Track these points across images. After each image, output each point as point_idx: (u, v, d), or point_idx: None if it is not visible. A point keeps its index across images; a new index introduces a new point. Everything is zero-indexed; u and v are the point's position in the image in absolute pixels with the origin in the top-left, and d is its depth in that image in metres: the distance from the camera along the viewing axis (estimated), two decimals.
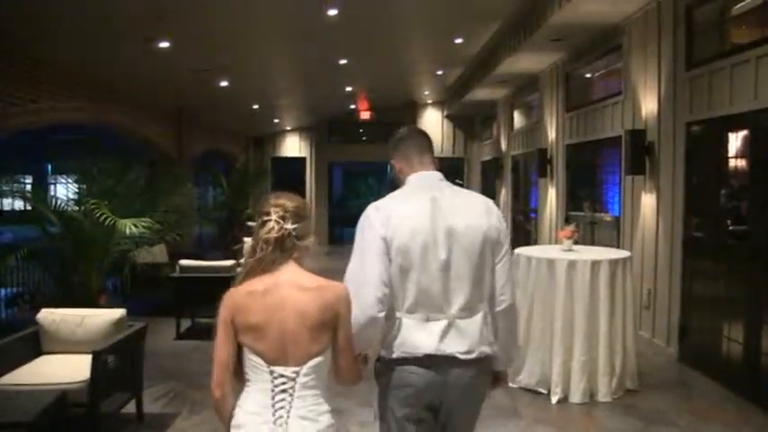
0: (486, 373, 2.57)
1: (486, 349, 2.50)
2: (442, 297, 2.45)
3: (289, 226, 2.21)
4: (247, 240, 10.87)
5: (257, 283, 2.18)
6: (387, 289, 2.42)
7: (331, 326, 2.19)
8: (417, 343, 2.43)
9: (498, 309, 2.56)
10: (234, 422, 2.17)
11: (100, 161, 6.81)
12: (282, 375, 2.14)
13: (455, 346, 2.43)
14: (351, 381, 2.31)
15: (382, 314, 2.41)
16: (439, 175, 2.64)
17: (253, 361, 2.16)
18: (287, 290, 2.17)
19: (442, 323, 2.44)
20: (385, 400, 2.52)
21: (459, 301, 2.46)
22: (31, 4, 6.47)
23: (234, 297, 2.18)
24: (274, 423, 2.12)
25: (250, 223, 14.56)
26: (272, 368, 2.14)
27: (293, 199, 2.29)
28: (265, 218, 2.23)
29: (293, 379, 2.14)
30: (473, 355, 2.45)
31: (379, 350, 2.52)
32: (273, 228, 2.20)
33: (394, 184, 2.75)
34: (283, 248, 2.21)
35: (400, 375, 2.46)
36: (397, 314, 2.46)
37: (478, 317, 2.49)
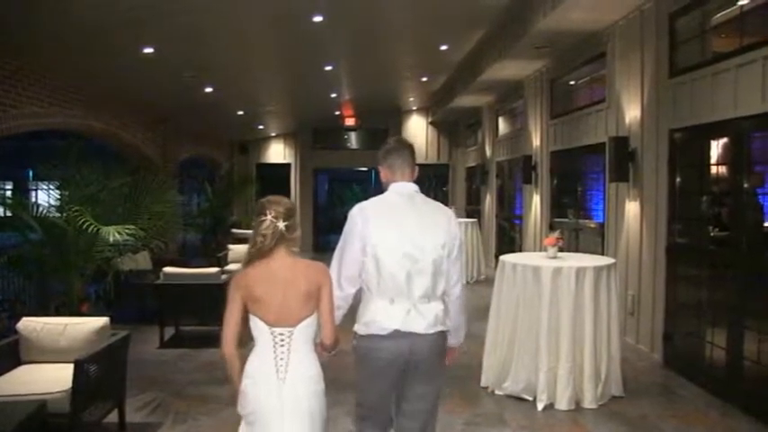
0: (442, 339, 3.17)
1: (440, 327, 3.13)
2: (407, 286, 3.05)
3: (280, 224, 2.85)
4: (232, 247, 10.85)
5: (257, 266, 2.86)
6: (357, 271, 3.10)
7: (315, 295, 2.87)
8: (386, 322, 3.04)
9: (451, 298, 3.21)
10: (245, 374, 2.83)
11: (82, 167, 6.74)
12: (281, 334, 2.82)
13: (416, 325, 3.05)
14: (331, 338, 2.93)
15: (353, 289, 3.13)
16: (415, 186, 3.23)
17: (258, 324, 2.84)
18: (280, 270, 2.85)
19: (407, 306, 3.05)
20: (361, 366, 3.15)
21: (420, 290, 3.07)
22: (13, 10, 6.41)
23: (241, 278, 2.87)
24: (277, 371, 2.80)
25: (235, 230, 14.57)
26: (273, 329, 2.82)
27: (283, 202, 2.93)
28: (262, 217, 2.87)
29: (289, 336, 2.82)
30: (430, 331, 3.08)
31: (356, 327, 3.14)
32: (269, 225, 2.84)
33: (382, 190, 3.32)
34: (276, 240, 2.85)
35: (375, 346, 3.06)
36: (371, 296, 3.09)
37: (435, 303, 3.12)
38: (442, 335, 3.15)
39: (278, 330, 2.81)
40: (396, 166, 3.22)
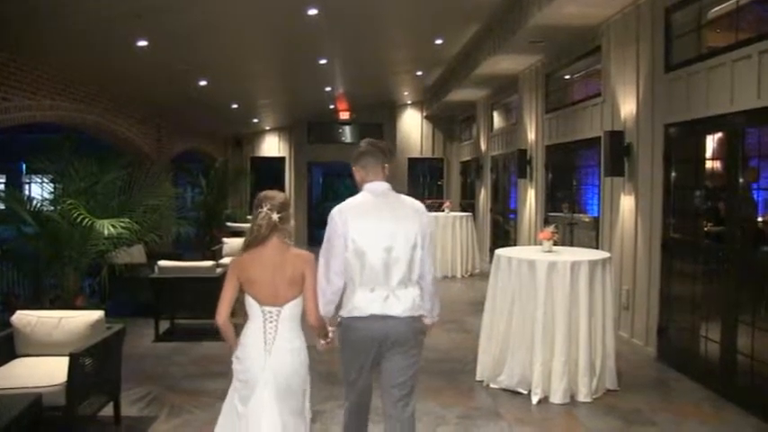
0: (417, 321, 3.53)
1: (417, 312, 3.50)
2: (385, 275, 3.42)
3: (275, 216, 3.24)
4: (227, 240, 10.83)
5: (253, 252, 3.26)
6: (343, 266, 3.43)
7: (300, 280, 3.27)
8: (366, 308, 3.41)
9: (425, 282, 3.55)
10: (240, 343, 3.31)
11: (76, 161, 6.71)
12: (270, 312, 3.26)
13: (393, 309, 3.42)
14: (312, 315, 3.32)
15: (341, 282, 3.46)
16: (387, 185, 3.56)
17: (251, 302, 3.29)
18: (272, 256, 3.26)
19: (386, 293, 3.42)
20: (344, 345, 3.51)
21: (397, 278, 3.43)
22: (5, 2, 6.36)
23: (239, 261, 3.30)
24: (265, 342, 3.24)
25: (230, 224, 14.54)
26: (263, 307, 3.27)
27: (278, 197, 3.32)
28: (259, 209, 3.26)
29: (277, 314, 3.26)
30: (406, 314, 3.44)
31: (341, 312, 3.49)
32: (264, 216, 3.24)
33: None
34: (271, 230, 3.24)
35: (355, 326, 3.43)
36: (353, 285, 3.44)
37: (411, 289, 3.48)
38: (418, 319, 3.52)
39: (267, 308, 3.26)
40: (369, 167, 3.55)
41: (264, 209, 3.25)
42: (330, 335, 3.50)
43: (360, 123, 18.79)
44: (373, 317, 3.40)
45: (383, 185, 3.55)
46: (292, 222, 3.39)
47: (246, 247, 3.29)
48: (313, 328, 3.36)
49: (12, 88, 7.64)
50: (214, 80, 11.41)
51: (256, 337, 3.25)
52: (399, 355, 3.48)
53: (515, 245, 11.30)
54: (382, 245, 3.40)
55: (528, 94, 11.28)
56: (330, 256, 3.45)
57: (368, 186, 3.55)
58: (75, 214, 6.00)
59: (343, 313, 3.49)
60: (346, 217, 3.44)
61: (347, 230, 3.41)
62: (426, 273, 3.54)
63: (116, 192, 6.98)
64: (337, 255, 3.43)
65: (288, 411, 3.25)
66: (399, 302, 3.43)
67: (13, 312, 4.96)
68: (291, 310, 3.28)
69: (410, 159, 19.58)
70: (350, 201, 3.54)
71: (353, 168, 3.60)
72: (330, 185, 26.36)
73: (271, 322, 3.25)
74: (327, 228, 3.50)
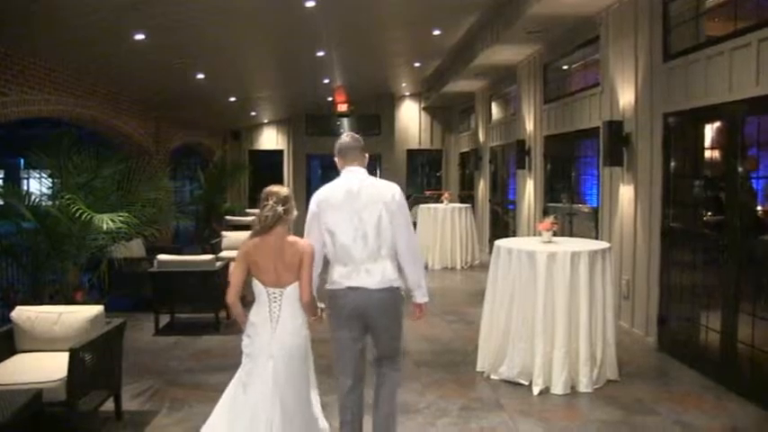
0: (392, 293, 3.87)
1: (389, 284, 3.85)
2: (354, 251, 3.83)
3: (279, 208, 3.62)
4: (227, 234, 10.82)
5: (259, 240, 3.64)
6: (320, 244, 3.89)
7: (297, 265, 3.63)
8: (342, 281, 3.85)
9: (401, 254, 3.91)
10: (248, 321, 3.69)
11: (75, 155, 6.69)
12: (274, 293, 3.65)
13: (366, 282, 3.82)
14: (306, 296, 3.65)
15: (321, 258, 3.93)
16: (363, 169, 4.01)
17: (257, 285, 3.67)
18: (274, 243, 3.63)
19: (357, 267, 3.83)
20: (332, 312, 3.94)
21: (365, 253, 3.83)
22: None
23: (246, 247, 3.66)
24: (270, 320, 3.63)
25: (229, 217, 14.52)
26: (268, 289, 3.65)
27: (282, 191, 3.71)
28: (265, 202, 3.64)
29: (280, 295, 3.65)
30: (378, 286, 3.82)
31: (326, 286, 3.95)
32: (270, 208, 3.61)
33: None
34: (276, 220, 3.62)
35: (336, 297, 3.89)
36: (332, 264, 3.92)
37: (381, 262, 3.85)
38: (392, 290, 3.88)
39: (272, 290, 3.65)
40: (348, 156, 4.02)
41: (270, 202, 3.63)
42: (319, 312, 3.88)
43: (358, 115, 18.76)
44: (350, 289, 3.84)
45: (359, 170, 4.00)
46: (295, 213, 3.75)
47: (254, 234, 3.67)
48: (305, 306, 3.69)
49: (9, 83, 7.61)
50: (212, 73, 11.37)
51: (263, 315, 3.65)
52: (380, 326, 3.92)
53: (515, 236, 11.30)
54: (351, 225, 3.83)
55: (526, 84, 11.25)
56: (310, 237, 3.92)
57: (344, 172, 4.02)
58: (74, 209, 5.99)
59: (327, 286, 3.96)
60: (320, 203, 3.94)
61: (321, 215, 3.90)
62: (399, 246, 3.91)
63: (115, 186, 6.96)
64: (316, 236, 3.92)
65: (286, 380, 3.62)
66: (370, 276, 3.83)
67: (12, 308, 4.96)
68: (293, 291, 3.65)
69: (409, 151, 19.58)
70: (325, 186, 4.03)
71: (336, 157, 4.07)
72: (329, 177, 26.27)
73: (275, 302, 3.64)
74: (308, 213, 4.00)
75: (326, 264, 4.02)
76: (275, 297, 3.65)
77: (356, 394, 4.00)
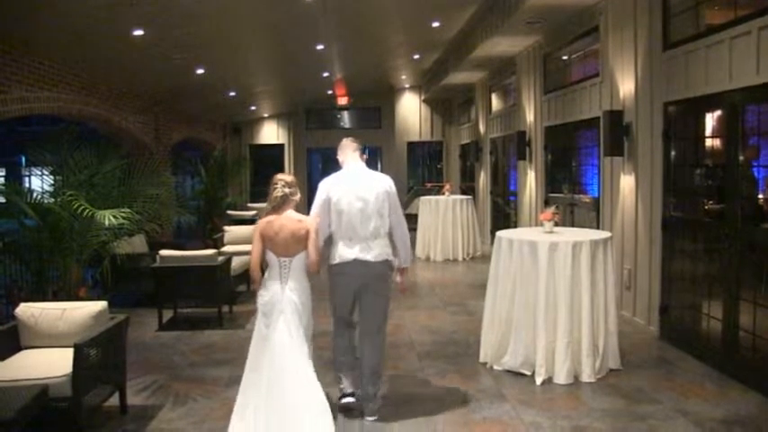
0: (388, 266, 4.76)
1: (385, 257, 4.71)
2: (360, 228, 4.64)
3: (287, 190, 4.42)
4: (228, 229, 10.84)
5: (272, 218, 4.39)
6: (326, 224, 4.69)
7: (305, 238, 4.36)
8: (347, 254, 4.66)
9: (395, 236, 4.83)
10: (263, 284, 4.43)
11: (75, 152, 6.69)
12: (284, 262, 4.38)
13: (367, 255, 4.65)
14: (313, 262, 4.38)
15: (327, 231, 4.72)
16: (362, 164, 4.89)
17: (270, 256, 4.39)
18: (285, 221, 4.37)
19: (361, 243, 4.66)
20: (332, 284, 4.80)
21: (368, 231, 4.65)
22: None
23: (261, 224, 4.40)
24: (281, 282, 4.37)
25: (230, 212, 14.51)
26: (279, 258, 4.38)
27: (287, 176, 4.54)
28: (275, 185, 4.43)
29: (289, 263, 4.38)
30: (377, 259, 4.67)
31: (330, 260, 4.75)
32: (279, 190, 4.40)
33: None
34: (284, 201, 4.41)
35: (341, 269, 4.69)
36: (337, 240, 4.72)
37: (380, 240, 4.70)
38: (386, 263, 4.74)
39: (282, 259, 4.38)
40: (348, 153, 4.91)
41: (279, 185, 4.42)
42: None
43: (358, 108, 18.76)
44: (355, 261, 4.63)
45: (359, 165, 4.88)
46: (299, 195, 4.49)
47: (267, 213, 4.43)
48: (312, 264, 4.40)
49: (8, 80, 7.61)
50: (211, 68, 11.36)
51: (275, 279, 4.39)
52: (372, 293, 4.71)
53: (516, 227, 11.30)
54: (357, 206, 4.63)
55: (526, 75, 11.23)
56: (317, 214, 4.65)
57: (345, 167, 4.90)
58: (76, 205, 6.00)
59: (332, 260, 4.73)
60: (329, 186, 4.76)
61: (331, 195, 4.68)
62: (397, 228, 4.81)
63: (116, 182, 6.96)
64: (323, 213, 4.68)
65: (295, 328, 4.32)
66: (371, 250, 4.65)
67: (16, 305, 4.97)
68: (299, 260, 4.40)
69: (409, 143, 19.56)
70: (333, 174, 4.89)
71: (338, 154, 4.97)
72: (329, 171, 26.32)
73: (284, 269, 4.38)
74: (317, 195, 4.77)
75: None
76: (285, 264, 4.38)
77: (346, 337, 4.86)
